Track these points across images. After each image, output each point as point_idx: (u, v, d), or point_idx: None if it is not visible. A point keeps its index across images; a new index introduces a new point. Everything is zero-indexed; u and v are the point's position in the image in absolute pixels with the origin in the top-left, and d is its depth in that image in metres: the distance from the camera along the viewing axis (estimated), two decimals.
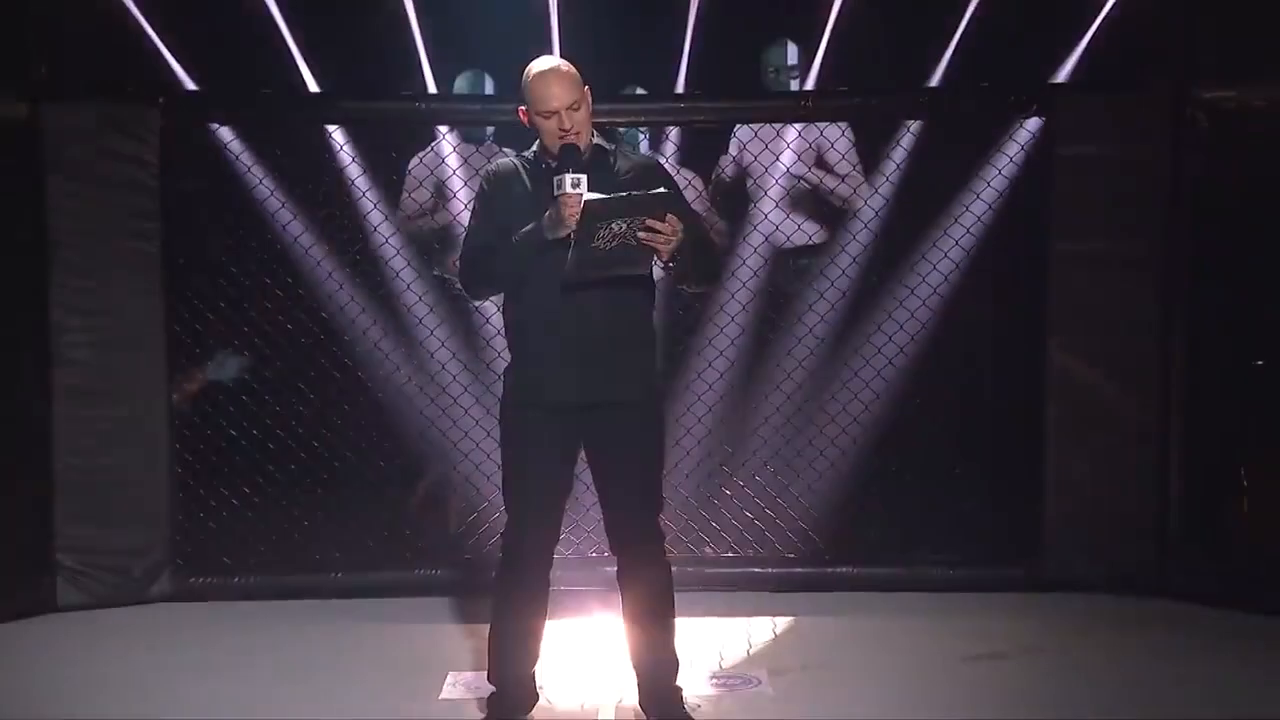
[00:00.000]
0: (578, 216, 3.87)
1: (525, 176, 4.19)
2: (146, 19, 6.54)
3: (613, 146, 4.27)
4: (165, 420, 5.73)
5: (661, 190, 3.96)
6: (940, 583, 5.81)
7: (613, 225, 3.85)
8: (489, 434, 5.70)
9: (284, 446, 6.06)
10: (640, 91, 6.53)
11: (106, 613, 5.62)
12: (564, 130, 4.05)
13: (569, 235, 3.91)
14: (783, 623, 5.48)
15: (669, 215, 3.91)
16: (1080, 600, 5.61)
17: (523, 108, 4.15)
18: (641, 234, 3.88)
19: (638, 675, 4.32)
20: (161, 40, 6.58)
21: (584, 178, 3.95)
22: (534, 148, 4.22)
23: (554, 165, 4.08)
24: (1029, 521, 5.75)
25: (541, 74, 4.10)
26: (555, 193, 3.96)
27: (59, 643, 5.32)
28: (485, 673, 4.39)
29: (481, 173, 4.34)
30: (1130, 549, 5.66)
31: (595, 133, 4.19)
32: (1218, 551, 5.61)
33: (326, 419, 6.19)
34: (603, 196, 3.89)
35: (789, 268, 6.59)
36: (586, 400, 4.11)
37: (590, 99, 4.12)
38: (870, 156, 6.46)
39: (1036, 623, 5.38)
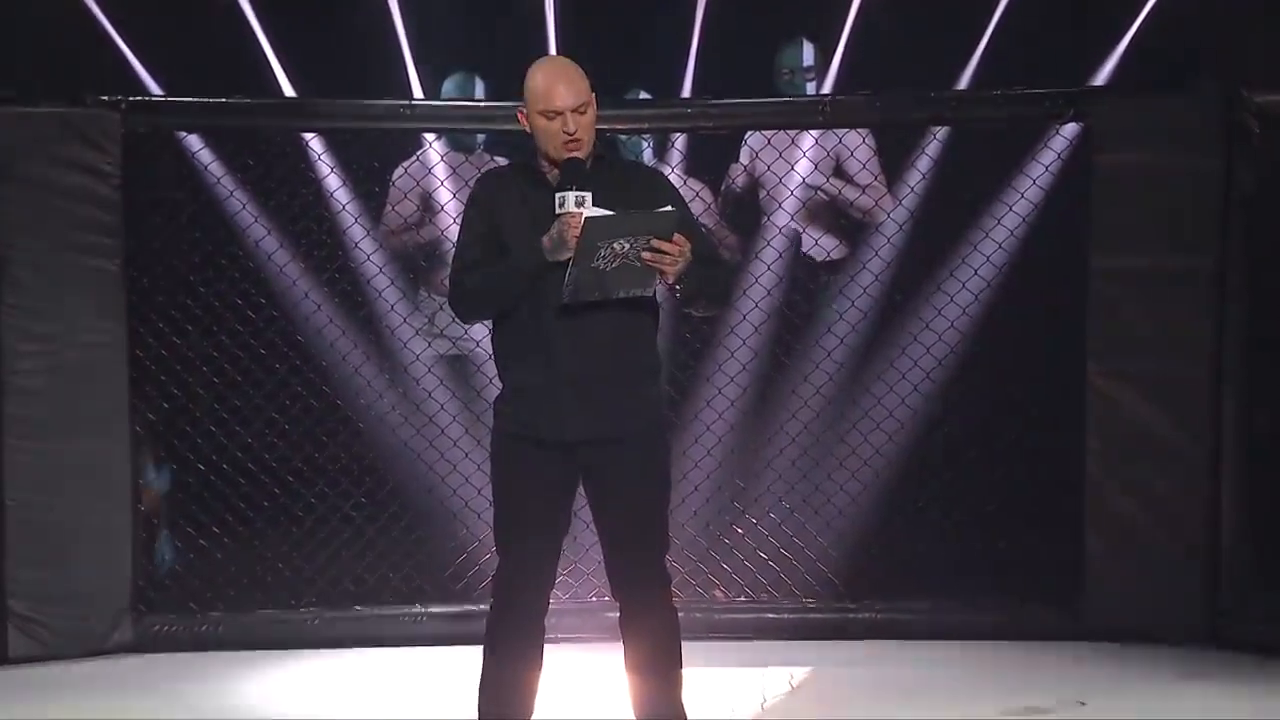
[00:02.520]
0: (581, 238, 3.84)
1: (521, 188, 4.12)
2: (108, 18, 6.53)
3: (613, 156, 4.22)
4: (126, 454, 5.66)
5: (669, 208, 3.92)
6: (972, 630, 5.77)
7: (615, 244, 3.81)
8: (479, 467, 5.66)
9: (256, 481, 6.01)
10: (643, 95, 6.51)
11: (61, 665, 5.56)
12: (568, 134, 4.00)
13: (569, 258, 3.87)
14: (800, 674, 5.42)
15: (676, 234, 3.86)
16: (1126, 650, 5.56)
17: (522, 109, 4.09)
18: (646, 254, 3.84)
19: None
20: (124, 41, 6.56)
21: (589, 195, 3.91)
22: (529, 155, 4.16)
23: (553, 176, 4.03)
24: (1068, 564, 5.71)
25: (548, 71, 4.06)
26: (557, 211, 3.91)
27: (7, 699, 5.25)
28: None
29: (472, 184, 4.29)
30: (1180, 594, 5.61)
31: (596, 142, 4.14)
32: (1278, 597, 5.55)
33: (303, 451, 6.13)
34: (605, 213, 3.84)
35: (805, 286, 6.56)
36: (586, 436, 4.06)
37: (596, 107, 4.07)
38: (893, 165, 6.43)
39: (1078, 674, 5.32)
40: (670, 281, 3.94)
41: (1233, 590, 5.59)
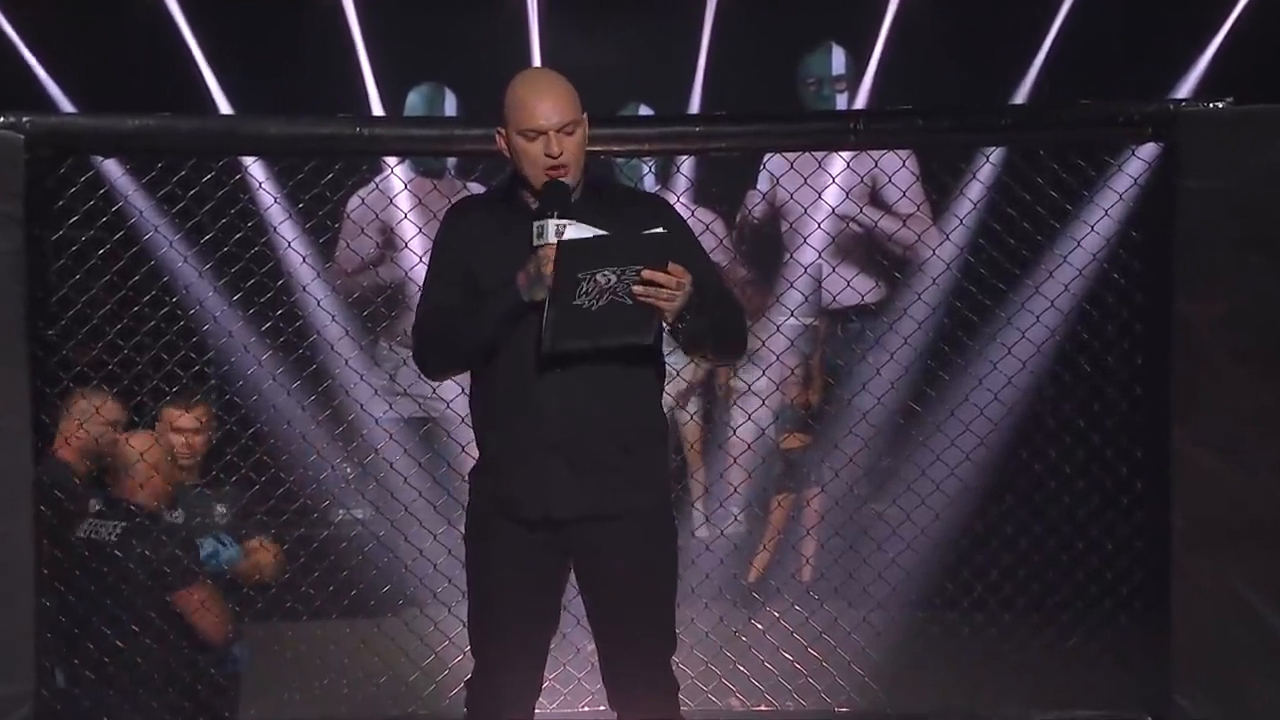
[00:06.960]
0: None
1: (500, 220, 4.13)
2: (12, 25, 6.54)
3: (610, 183, 4.22)
4: (28, 538, 5.58)
5: (658, 230, 3.89)
6: None
7: (598, 276, 3.80)
8: (451, 552, 5.60)
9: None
10: (645, 111, 6.52)
11: None
12: (551, 157, 4.00)
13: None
14: None
15: (671, 263, 3.83)
16: None
17: (501, 130, 4.08)
18: (637, 288, 3.81)
19: None
20: (32, 52, 6.57)
21: (571, 225, 3.89)
22: (508, 181, 4.16)
23: (534, 205, 4.00)
24: (1151, 661, 5.63)
25: (531, 84, 4.08)
26: (535, 243, 3.91)
27: None
28: None
29: (441, 216, 4.27)
30: None
31: (589, 168, 4.13)
32: None
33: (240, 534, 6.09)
34: (583, 236, 3.82)
35: (836, 334, 6.57)
36: (578, 513, 4.05)
37: (587, 127, 4.06)
38: (939, 193, 6.44)
39: None
40: (670, 320, 3.92)
41: None
